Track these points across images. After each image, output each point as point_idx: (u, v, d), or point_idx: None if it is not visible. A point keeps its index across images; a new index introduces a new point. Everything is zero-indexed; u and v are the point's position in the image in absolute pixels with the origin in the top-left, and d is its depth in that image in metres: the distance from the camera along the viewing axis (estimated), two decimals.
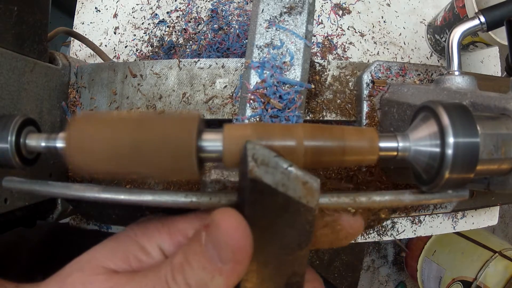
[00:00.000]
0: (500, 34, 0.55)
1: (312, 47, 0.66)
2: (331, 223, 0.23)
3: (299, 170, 0.20)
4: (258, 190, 0.19)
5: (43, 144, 0.27)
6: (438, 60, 0.71)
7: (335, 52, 0.68)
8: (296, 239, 0.21)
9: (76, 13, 0.69)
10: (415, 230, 0.65)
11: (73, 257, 0.23)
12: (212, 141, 0.22)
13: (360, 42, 0.69)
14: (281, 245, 0.21)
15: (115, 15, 0.69)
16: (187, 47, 0.66)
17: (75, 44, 0.67)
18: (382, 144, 0.23)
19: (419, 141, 0.23)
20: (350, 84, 0.46)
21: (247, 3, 0.68)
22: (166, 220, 0.24)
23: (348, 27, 0.69)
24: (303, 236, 0.21)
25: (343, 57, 0.68)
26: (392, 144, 0.23)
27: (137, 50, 0.67)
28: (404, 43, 0.70)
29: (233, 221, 0.19)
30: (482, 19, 0.42)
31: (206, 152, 0.22)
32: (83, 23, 0.69)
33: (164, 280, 0.20)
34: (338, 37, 0.69)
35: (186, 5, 0.69)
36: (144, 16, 0.68)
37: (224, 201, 0.22)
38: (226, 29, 0.66)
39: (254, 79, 0.38)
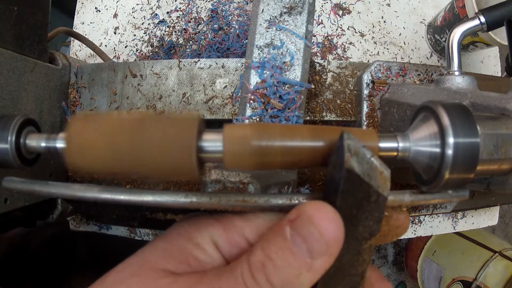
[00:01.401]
0: (500, 34, 0.54)
1: (312, 47, 0.66)
2: (386, 218, 0.23)
3: (378, 160, 0.20)
4: (350, 181, 0.19)
5: (43, 144, 0.27)
6: (438, 60, 0.71)
7: (335, 52, 0.68)
8: (370, 229, 0.21)
9: (76, 13, 0.69)
10: (415, 230, 0.65)
11: (76, 263, 0.22)
12: (212, 142, 0.22)
13: (360, 42, 0.69)
14: (358, 235, 0.21)
15: (115, 15, 0.69)
16: (187, 47, 0.66)
17: (75, 44, 0.67)
18: (382, 144, 0.23)
19: (419, 141, 0.23)
20: (350, 84, 0.46)
21: (247, 3, 0.68)
22: (218, 216, 0.23)
23: (348, 27, 0.69)
24: (376, 225, 0.21)
25: (343, 57, 0.68)
26: (392, 145, 0.23)
27: (137, 50, 0.67)
28: (404, 43, 0.70)
29: (328, 213, 0.18)
30: (482, 19, 0.42)
31: (206, 152, 0.22)
32: (83, 23, 0.69)
33: (242, 281, 0.18)
34: (338, 37, 0.69)
35: (186, 5, 0.69)
36: (144, 16, 0.68)
37: (224, 201, 0.22)
38: (226, 29, 0.66)
39: (254, 79, 0.38)
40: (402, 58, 0.69)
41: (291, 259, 0.18)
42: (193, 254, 0.21)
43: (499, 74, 0.73)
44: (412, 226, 0.65)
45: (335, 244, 0.18)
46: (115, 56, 0.67)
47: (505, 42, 0.51)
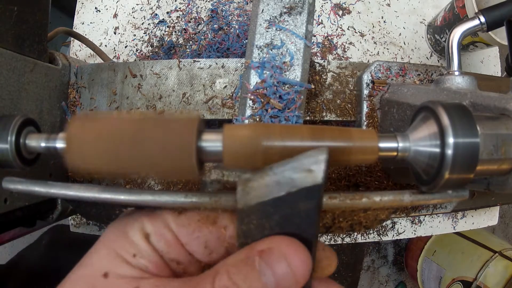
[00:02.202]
0: (500, 34, 0.55)
1: (312, 47, 0.66)
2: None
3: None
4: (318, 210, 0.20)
5: (43, 144, 0.27)
6: (438, 60, 0.71)
7: (335, 52, 0.68)
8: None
9: (76, 13, 0.69)
10: (415, 230, 0.65)
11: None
12: (212, 142, 0.22)
13: (360, 42, 0.69)
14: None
15: (115, 15, 0.69)
16: (187, 47, 0.66)
17: (75, 44, 0.67)
18: (382, 145, 0.23)
19: (419, 142, 0.23)
20: (350, 84, 0.46)
21: (247, 3, 0.68)
22: (149, 211, 0.23)
23: (348, 27, 0.69)
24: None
25: (343, 57, 0.68)
26: (392, 145, 0.23)
27: (137, 50, 0.67)
28: (404, 43, 0.70)
29: (301, 254, 0.19)
30: (482, 19, 0.42)
31: (206, 152, 0.22)
32: (83, 23, 0.69)
33: None
34: (338, 37, 0.69)
35: (186, 5, 0.69)
36: (144, 16, 0.68)
37: (224, 201, 0.22)
38: (226, 29, 0.66)
39: (254, 79, 0.38)
40: (402, 58, 0.69)
41: None
42: (130, 252, 0.22)
43: (499, 74, 0.73)
44: (412, 226, 0.65)
45: (303, 280, 0.19)
46: (115, 56, 0.67)
47: (505, 42, 0.51)
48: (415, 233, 0.65)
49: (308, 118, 0.46)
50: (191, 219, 0.22)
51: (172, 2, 0.69)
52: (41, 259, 0.70)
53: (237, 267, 0.19)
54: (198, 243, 0.22)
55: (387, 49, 0.69)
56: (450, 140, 0.21)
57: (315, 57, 0.67)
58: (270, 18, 0.38)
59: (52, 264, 0.69)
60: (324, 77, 0.47)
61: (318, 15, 0.69)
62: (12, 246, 1.44)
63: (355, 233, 0.63)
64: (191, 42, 0.67)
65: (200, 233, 0.22)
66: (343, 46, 0.68)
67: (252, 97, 0.38)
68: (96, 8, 0.69)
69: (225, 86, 0.46)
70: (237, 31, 0.65)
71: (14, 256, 0.74)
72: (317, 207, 0.19)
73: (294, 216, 0.19)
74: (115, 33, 0.68)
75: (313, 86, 0.45)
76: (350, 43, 0.69)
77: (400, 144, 0.23)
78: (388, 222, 0.65)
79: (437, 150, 0.22)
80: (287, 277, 0.19)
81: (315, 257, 0.21)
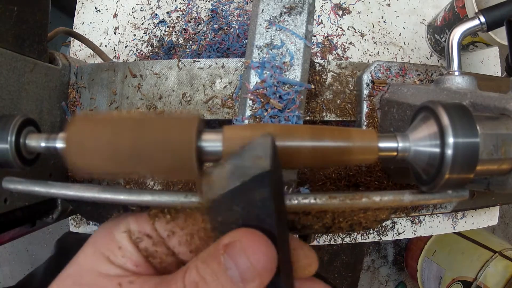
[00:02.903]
0: (500, 34, 0.55)
1: (312, 47, 0.66)
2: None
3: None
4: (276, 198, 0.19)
5: (42, 144, 0.27)
6: (438, 60, 0.71)
7: (335, 52, 0.68)
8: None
9: (76, 13, 0.69)
10: (415, 230, 0.65)
11: None
12: (212, 142, 0.22)
13: (360, 42, 0.69)
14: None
15: (115, 15, 0.69)
16: (187, 47, 0.66)
17: (75, 44, 0.67)
18: (382, 145, 0.23)
19: (419, 141, 0.23)
20: (350, 84, 0.46)
21: (247, 3, 0.68)
22: (137, 212, 0.24)
23: (348, 27, 0.69)
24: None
25: (343, 57, 0.68)
26: (392, 145, 0.23)
27: (137, 50, 0.67)
28: (404, 43, 0.70)
29: (261, 246, 0.19)
30: (482, 19, 0.42)
31: (206, 152, 0.22)
32: (83, 23, 0.69)
33: None
34: (338, 37, 0.69)
35: (186, 5, 0.69)
36: (144, 16, 0.68)
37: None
38: (226, 29, 0.66)
39: (254, 79, 0.38)
40: (402, 58, 0.69)
41: (224, 282, 0.19)
42: (113, 252, 0.22)
43: (499, 74, 0.73)
44: (412, 226, 0.65)
45: (266, 273, 0.19)
46: (115, 56, 0.67)
47: (505, 42, 0.51)
48: (415, 233, 0.65)
49: (308, 118, 0.46)
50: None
51: (172, 2, 0.69)
52: (47, 278, 0.71)
53: (205, 262, 0.20)
54: (179, 242, 0.23)
55: (387, 49, 0.69)
56: (450, 140, 0.21)
57: (315, 57, 0.67)
58: (270, 18, 0.38)
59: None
60: (324, 77, 0.47)
61: (318, 15, 0.69)
62: (12, 246, 1.44)
63: (355, 233, 0.63)
64: (191, 42, 0.67)
65: (180, 231, 0.22)
66: (343, 46, 0.68)
67: (252, 97, 0.38)
68: (96, 8, 0.69)
69: (225, 86, 0.46)
70: (237, 31, 0.65)
71: (24, 276, 0.75)
72: (271, 195, 0.19)
73: (253, 207, 0.19)
74: (115, 33, 0.68)
75: (313, 86, 0.45)
76: (350, 43, 0.69)
77: (400, 144, 0.23)
78: (388, 222, 0.65)
79: (437, 150, 0.22)
80: (249, 270, 0.19)
81: (286, 251, 0.21)
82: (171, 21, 0.68)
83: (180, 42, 0.67)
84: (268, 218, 0.19)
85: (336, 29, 0.69)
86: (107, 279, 0.21)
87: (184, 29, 0.67)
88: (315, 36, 0.68)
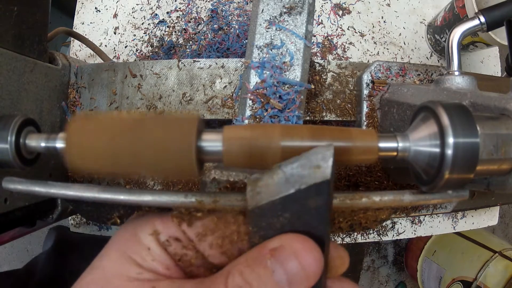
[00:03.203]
0: (500, 34, 0.55)
1: (312, 47, 0.66)
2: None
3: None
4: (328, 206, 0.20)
5: (42, 144, 0.27)
6: (438, 60, 0.71)
7: (335, 52, 0.68)
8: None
9: (76, 13, 0.69)
10: (415, 230, 0.65)
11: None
12: (212, 142, 0.22)
13: (360, 42, 0.69)
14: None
15: (115, 15, 0.69)
16: (187, 47, 0.66)
17: (75, 44, 0.67)
18: (382, 145, 0.23)
19: (419, 141, 0.23)
20: (350, 84, 0.46)
21: (247, 3, 0.68)
22: (162, 213, 0.24)
23: (348, 27, 0.69)
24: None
25: (343, 57, 0.68)
26: (392, 145, 0.23)
27: (137, 50, 0.67)
28: (404, 43, 0.70)
29: (312, 251, 0.19)
30: (482, 19, 0.42)
31: (206, 152, 0.22)
32: (83, 23, 0.69)
33: None
34: (338, 37, 0.69)
35: (186, 5, 0.69)
36: (144, 16, 0.68)
37: (223, 201, 0.22)
38: (226, 29, 0.66)
39: (254, 79, 0.38)
40: (402, 58, 0.69)
41: (271, 287, 0.19)
42: (141, 255, 0.22)
43: (499, 74, 0.73)
44: (412, 226, 0.65)
45: (314, 278, 0.19)
46: (115, 56, 0.67)
47: (505, 42, 0.51)
48: (415, 233, 0.65)
49: (308, 118, 0.46)
50: (204, 220, 0.22)
51: (172, 2, 0.69)
52: (48, 265, 0.71)
53: (249, 266, 0.19)
54: (210, 245, 0.22)
55: (387, 49, 0.69)
56: (450, 140, 0.21)
57: (315, 57, 0.67)
58: (270, 18, 0.38)
59: (59, 269, 0.70)
60: (324, 77, 0.47)
61: (318, 15, 0.69)
62: (12, 246, 1.44)
63: (355, 233, 0.63)
64: (191, 42, 0.67)
65: (212, 235, 0.22)
66: (343, 46, 0.68)
67: (252, 97, 0.38)
68: (96, 8, 0.69)
69: (225, 86, 0.46)
70: (237, 31, 0.65)
71: (29, 262, 0.75)
72: (327, 203, 0.19)
73: (305, 213, 0.19)
74: (115, 33, 0.68)
75: (313, 86, 0.45)
76: (350, 43, 0.69)
77: (400, 144, 0.23)
78: (388, 222, 0.65)
79: (437, 150, 0.22)
80: (298, 274, 0.19)
81: (328, 255, 0.21)
82: (171, 21, 0.68)
83: (180, 42, 0.67)
84: (320, 225, 0.20)
85: (336, 29, 0.69)
86: (138, 283, 0.21)
87: (184, 29, 0.67)
88: (315, 36, 0.68)
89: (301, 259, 0.19)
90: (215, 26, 0.66)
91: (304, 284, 0.19)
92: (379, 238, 0.64)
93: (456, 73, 0.38)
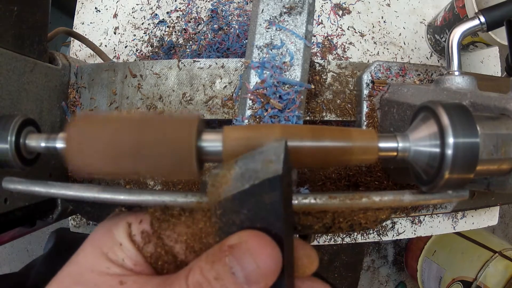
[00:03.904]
0: (500, 34, 0.54)
1: (312, 47, 0.66)
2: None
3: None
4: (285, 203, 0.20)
5: (42, 144, 0.27)
6: (438, 60, 0.71)
7: (335, 52, 0.68)
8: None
9: (76, 13, 0.69)
10: (415, 230, 0.65)
11: None
12: (212, 142, 0.22)
13: (360, 42, 0.69)
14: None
15: (115, 15, 0.69)
16: (187, 47, 0.66)
17: (75, 44, 0.67)
18: (382, 145, 0.23)
19: (419, 142, 0.23)
20: (350, 84, 0.46)
21: (247, 3, 0.68)
22: (133, 209, 0.24)
23: (348, 27, 0.69)
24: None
25: (343, 57, 0.68)
26: (392, 145, 0.23)
27: (137, 50, 0.67)
28: (404, 43, 0.70)
29: (267, 248, 0.19)
30: (482, 19, 0.42)
31: (206, 152, 0.22)
32: (83, 23, 0.69)
33: None
34: (338, 37, 0.69)
35: (186, 5, 0.69)
36: (144, 16, 0.68)
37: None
38: (226, 29, 0.66)
39: (254, 79, 0.38)
40: (402, 58, 0.69)
41: (229, 284, 0.19)
42: (113, 250, 0.22)
43: (499, 74, 0.73)
44: (412, 226, 0.65)
45: (271, 275, 0.19)
46: (115, 56, 0.67)
47: (505, 42, 0.51)
48: (415, 233, 0.65)
49: (308, 118, 0.46)
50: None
51: (172, 2, 0.69)
52: (43, 268, 0.71)
53: (209, 263, 0.20)
54: (178, 242, 0.22)
55: (387, 49, 0.69)
56: (450, 140, 0.21)
57: (315, 57, 0.67)
58: (270, 18, 0.38)
59: (54, 272, 0.70)
60: (324, 77, 0.47)
61: (318, 15, 0.69)
62: (12, 246, 1.44)
63: (355, 233, 0.63)
64: (191, 42, 0.67)
65: (180, 232, 0.22)
66: (343, 46, 0.68)
67: (252, 97, 0.38)
68: (96, 8, 0.69)
69: (225, 86, 0.46)
70: (237, 31, 0.65)
71: (26, 265, 0.75)
72: (281, 199, 0.19)
73: (261, 209, 0.19)
74: (115, 33, 0.68)
75: (313, 86, 0.45)
76: (350, 43, 0.69)
77: (400, 144, 0.23)
78: (388, 222, 0.65)
79: (437, 150, 0.22)
80: (254, 272, 0.19)
81: (290, 253, 0.21)
82: (171, 21, 0.68)
83: (180, 42, 0.67)
84: (276, 221, 0.19)
85: (336, 29, 0.69)
86: (108, 277, 0.21)
87: (184, 29, 0.67)
88: (315, 36, 0.68)
89: (255, 256, 0.19)
90: (215, 26, 0.66)
91: (262, 281, 0.19)
92: (379, 238, 0.64)
93: (456, 73, 0.38)
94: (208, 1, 0.69)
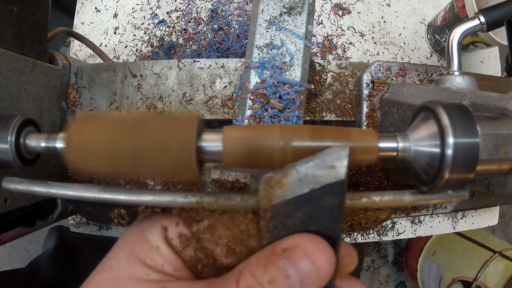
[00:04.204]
0: (500, 34, 0.54)
1: (312, 47, 0.66)
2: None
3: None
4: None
5: (42, 144, 0.27)
6: (438, 60, 0.71)
7: (335, 52, 0.68)
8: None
9: (76, 13, 0.69)
10: (415, 230, 0.65)
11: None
12: (212, 142, 0.22)
13: (360, 42, 0.69)
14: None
15: (115, 15, 0.69)
16: (187, 47, 0.66)
17: (75, 44, 0.67)
18: (382, 145, 0.23)
19: (419, 142, 0.23)
20: (350, 84, 0.46)
21: (247, 3, 0.68)
22: (165, 212, 0.23)
23: (348, 27, 0.69)
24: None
25: (343, 57, 0.68)
26: (392, 145, 0.23)
27: (137, 50, 0.67)
28: (404, 43, 0.70)
29: (324, 251, 0.19)
30: (482, 19, 0.42)
31: (206, 152, 0.22)
32: (83, 23, 0.69)
33: None
34: (338, 37, 0.69)
35: (186, 5, 0.69)
36: (144, 16, 0.68)
37: (223, 201, 0.22)
38: (226, 29, 0.66)
39: (254, 79, 0.38)
40: (402, 58, 0.69)
41: (283, 287, 0.19)
42: (150, 256, 0.21)
43: (499, 74, 0.73)
44: (412, 226, 0.65)
45: (327, 278, 0.19)
46: (115, 56, 0.67)
47: (505, 42, 0.51)
48: (415, 233, 0.65)
49: (308, 118, 0.46)
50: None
51: (172, 2, 0.69)
52: (51, 266, 0.71)
53: (261, 266, 0.19)
54: (219, 245, 0.22)
55: (387, 49, 0.69)
56: (450, 140, 0.21)
57: (315, 57, 0.67)
58: (270, 18, 0.38)
59: (61, 271, 0.70)
60: (324, 77, 0.46)
61: (318, 15, 0.69)
62: (12, 246, 1.44)
63: (355, 233, 0.63)
64: (191, 42, 0.67)
65: (221, 235, 0.22)
66: (343, 46, 0.68)
67: (252, 97, 0.38)
68: (96, 8, 0.69)
69: (225, 86, 0.46)
70: (237, 31, 0.65)
71: (31, 261, 0.75)
72: (341, 203, 0.19)
73: (318, 213, 0.20)
74: (115, 33, 0.68)
75: (313, 86, 0.45)
76: (350, 43, 0.69)
77: (400, 144, 0.23)
78: (388, 222, 0.65)
79: (437, 150, 0.22)
80: (311, 274, 0.19)
81: (339, 255, 0.21)
82: (171, 21, 0.68)
83: (180, 42, 0.67)
84: (333, 225, 0.20)
85: (336, 29, 0.69)
86: (147, 284, 0.20)
87: (184, 29, 0.67)
88: (315, 36, 0.68)
89: (314, 259, 0.19)
90: (215, 26, 0.66)
91: (317, 284, 0.19)
92: (379, 238, 0.64)
93: (456, 73, 0.38)
94: (208, 1, 0.69)
